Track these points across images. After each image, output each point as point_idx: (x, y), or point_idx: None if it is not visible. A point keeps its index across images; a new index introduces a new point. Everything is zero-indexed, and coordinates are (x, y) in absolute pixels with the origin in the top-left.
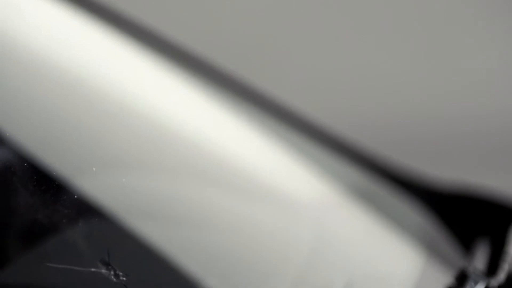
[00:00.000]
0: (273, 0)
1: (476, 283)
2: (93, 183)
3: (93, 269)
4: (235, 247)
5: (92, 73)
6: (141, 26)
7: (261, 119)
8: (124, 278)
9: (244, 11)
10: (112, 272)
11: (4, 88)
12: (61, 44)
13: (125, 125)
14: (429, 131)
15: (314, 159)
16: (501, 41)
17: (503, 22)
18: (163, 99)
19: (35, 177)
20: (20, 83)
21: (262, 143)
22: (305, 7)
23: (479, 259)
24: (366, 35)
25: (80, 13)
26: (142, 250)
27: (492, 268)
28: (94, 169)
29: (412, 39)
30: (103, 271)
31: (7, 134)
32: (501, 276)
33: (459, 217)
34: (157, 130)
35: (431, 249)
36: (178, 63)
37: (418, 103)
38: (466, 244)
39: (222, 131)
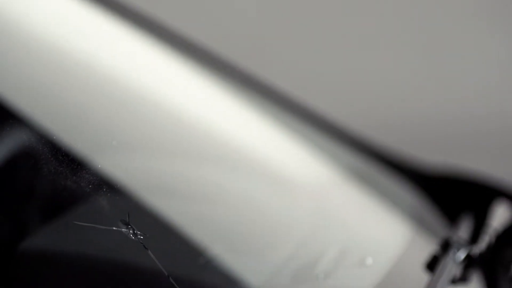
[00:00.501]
0: (287, 1)
1: (458, 250)
2: (113, 162)
3: (114, 228)
4: (241, 220)
5: (116, 64)
6: (166, 24)
7: (270, 110)
8: (142, 237)
9: (259, 9)
10: (131, 231)
11: (37, 80)
12: (79, 33)
13: (143, 112)
14: (429, 129)
15: (315, 144)
16: (501, 41)
17: (503, 22)
18: (179, 89)
19: (62, 150)
20: (53, 77)
21: (270, 132)
22: (320, 8)
23: (463, 231)
24: (369, 35)
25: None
26: (157, 222)
27: (474, 238)
28: (114, 142)
29: (413, 36)
30: (123, 230)
31: (40, 118)
32: (482, 244)
33: (446, 194)
34: (171, 117)
35: (419, 222)
36: (190, 56)
37: (417, 101)
38: (452, 218)
39: (232, 120)
